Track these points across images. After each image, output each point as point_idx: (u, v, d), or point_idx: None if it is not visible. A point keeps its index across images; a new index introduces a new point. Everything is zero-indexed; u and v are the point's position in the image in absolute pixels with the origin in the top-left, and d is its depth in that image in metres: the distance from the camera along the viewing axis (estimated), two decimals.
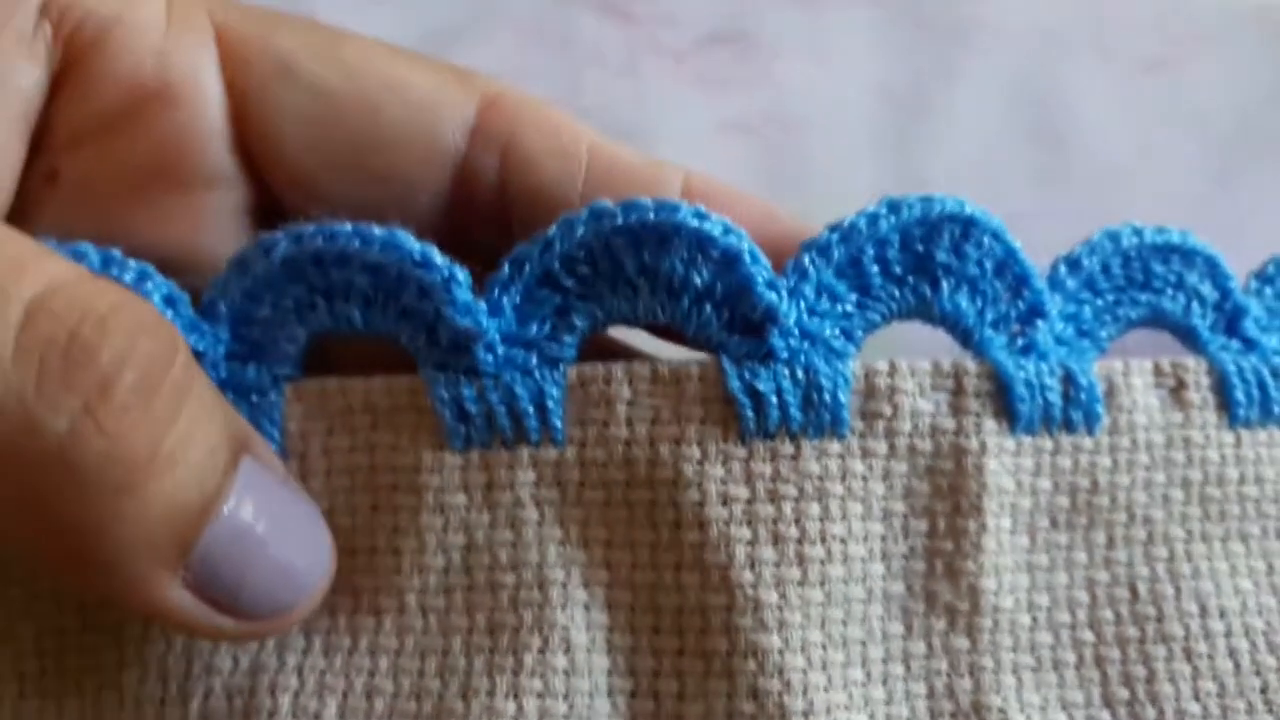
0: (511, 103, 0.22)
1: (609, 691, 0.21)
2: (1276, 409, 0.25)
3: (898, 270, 0.22)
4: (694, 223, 0.20)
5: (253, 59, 0.21)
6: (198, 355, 0.21)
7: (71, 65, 0.21)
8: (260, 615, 0.19)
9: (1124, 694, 0.22)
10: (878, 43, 0.36)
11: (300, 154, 0.21)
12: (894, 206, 0.22)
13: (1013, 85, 0.36)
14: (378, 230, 0.20)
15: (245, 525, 0.19)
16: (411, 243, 0.20)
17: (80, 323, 0.17)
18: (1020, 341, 0.23)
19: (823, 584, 0.21)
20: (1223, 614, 0.23)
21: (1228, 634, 0.23)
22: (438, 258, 0.21)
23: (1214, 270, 0.25)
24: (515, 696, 0.20)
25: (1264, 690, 0.23)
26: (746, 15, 0.36)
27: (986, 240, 0.22)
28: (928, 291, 0.22)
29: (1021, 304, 0.23)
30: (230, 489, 0.18)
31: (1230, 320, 0.25)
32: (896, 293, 0.22)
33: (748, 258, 0.21)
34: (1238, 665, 0.23)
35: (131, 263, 0.20)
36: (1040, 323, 0.23)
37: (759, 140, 0.34)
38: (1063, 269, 0.24)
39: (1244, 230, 0.34)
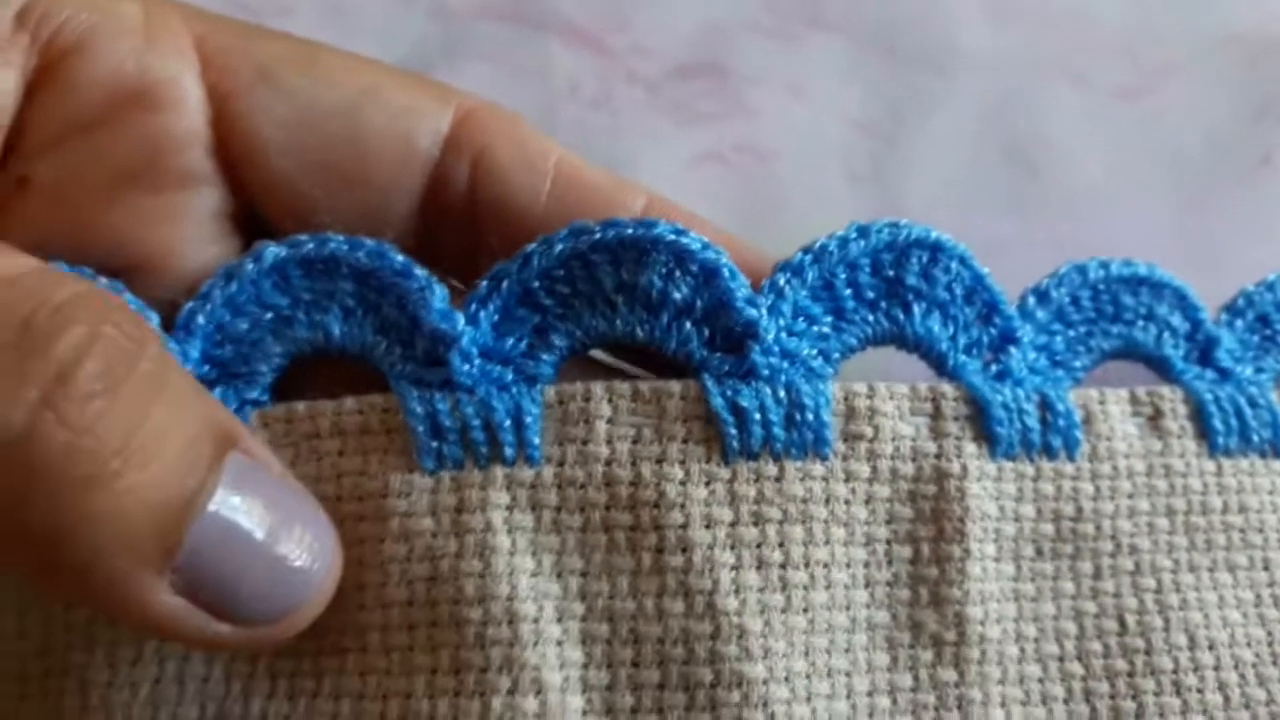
0: (486, 116, 0.23)
1: None
2: (1255, 437, 0.26)
3: (870, 294, 0.23)
4: (672, 237, 0.21)
5: (233, 65, 0.22)
6: None
7: (48, 71, 0.21)
8: (261, 620, 0.19)
9: None
10: (851, 72, 0.37)
11: (281, 157, 0.22)
12: (863, 231, 0.23)
13: (986, 113, 0.38)
14: (366, 240, 0.21)
15: (236, 522, 0.18)
16: (395, 253, 0.21)
17: (35, 311, 0.17)
18: (994, 368, 0.24)
19: (806, 611, 0.21)
20: (1212, 646, 0.24)
21: (1217, 667, 0.24)
22: (417, 269, 0.22)
23: (1183, 302, 0.26)
24: None
25: None
26: (719, 46, 0.38)
27: (954, 266, 0.24)
28: (900, 315, 0.23)
29: (993, 330, 0.24)
30: (215, 483, 0.18)
31: (1203, 351, 0.26)
32: (870, 316, 0.23)
33: (726, 273, 0.22)
34: (1227, 699, 0.23)
35: (102, 279, 0.21)
36: (1013, 349, 0.24)
37: (733, 171, 0.35)
38: (1031, 300, 0.25)
39: (1215, 256, 0.35)
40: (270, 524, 0.19)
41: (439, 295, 0.21)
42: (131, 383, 0.18)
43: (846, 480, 0.22)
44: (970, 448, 0.23)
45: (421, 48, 0.36)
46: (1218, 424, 0.25)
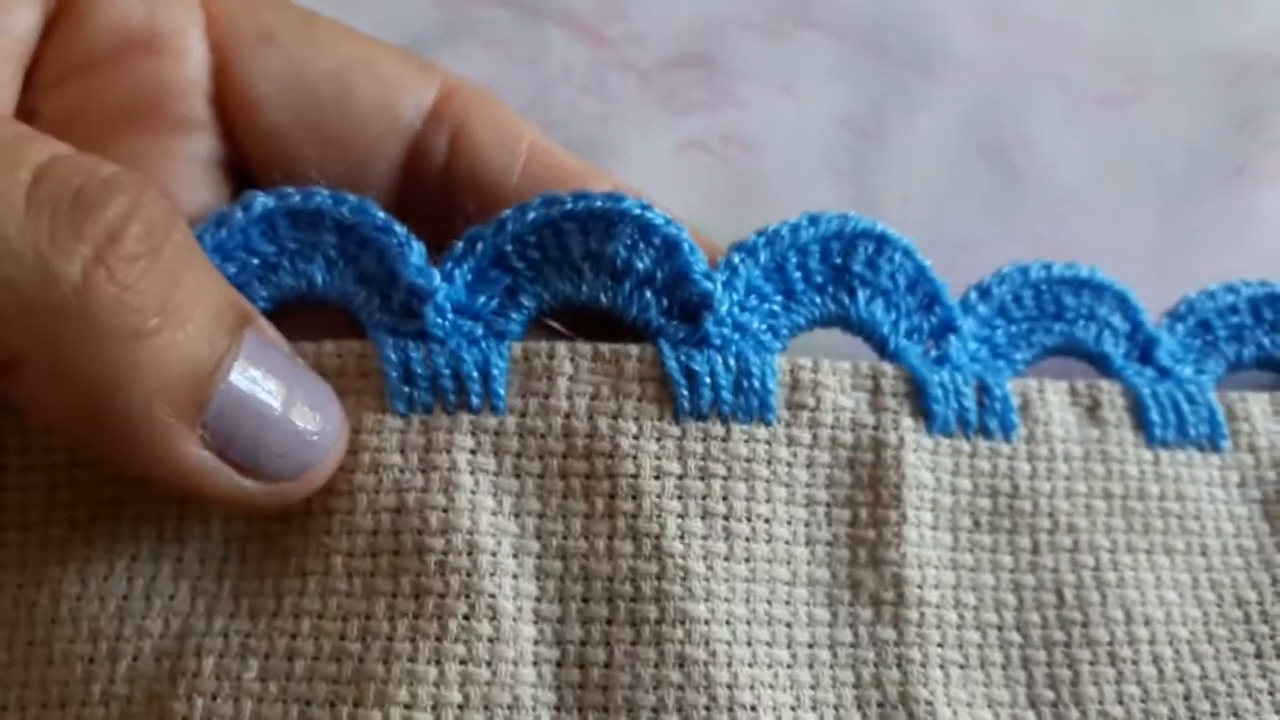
0: (467, 95, 0.26)
1: (535, 660, 0.22)
2: (1193, 431, 0.28)
3: (818, 279, 0.26)
4: (638, 211, 0.24)
5: (236, 23, 0.25)
6: None
7: (64, 10, 0.24)
8: (282, 477, 0.22)
9: (1049, 695, 0.24)
10: (839, 70, 0.39)
11: (273, 114, 0.25)
12: (814, 219, 0.25)
13: (970, 115, 0.39)
14: (350, 195, 0.24)
15: (256, 387, 0.21)
16: (376, 209, 0.24)
17: (86, 181, 0.19)
18: (934, 354, 0.26)
19: (748, 560, 0.24)
20: (1148, 622, 0.25)
21: (1152, 641, 0.25)
22: (398, 225, 0.24)
23: (1124, 304, 0.29)
24: (437, 662, 0.22)
25: (1187, 697, 0.25)
26: (714, 40, 0.40)
27: (898, 257, 0.26)
28: (845, 299, 0.26)
29: (934, 319, 0.27)
30: (238, 350, 0.21)
31: (1143, 350, 0.29)
32: (817, 299, 0.26)
33: (686, 247, 0.24)
34: (1161, 671, 0.25)
35: None
36: (952, 338, 0.26)
37: (719, 160, 0.37)
38: (974, 295, 0.27)
39: (1190, 262, 0.36)
40: (284, 393, 0.21)
41: (417, 252, 0.24)
42: (168, 249, 0.20)
43: (789, 445, 0.24)
44: (907, 422, 0.25)
45: (419, 32, 0.38)
46: (1155, 416, 0.27)
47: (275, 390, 0.21)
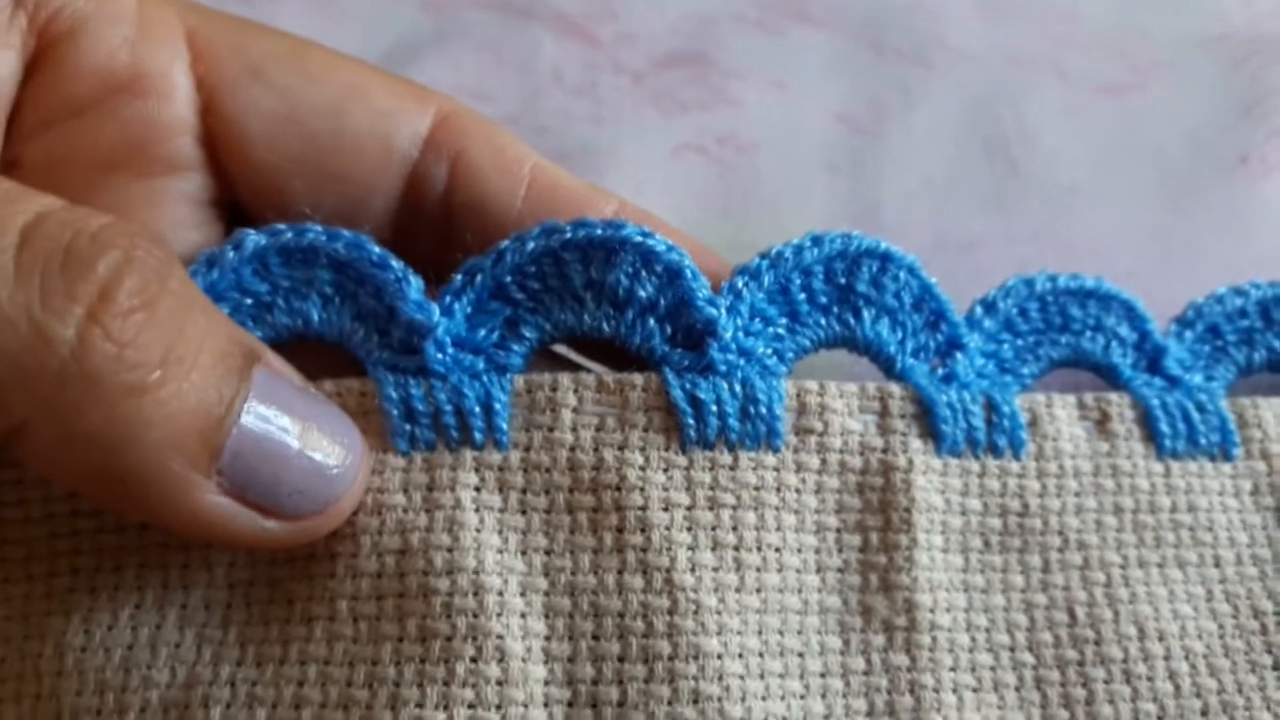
0: (464, 120, 0.26)
1: (545, 702, 0.23)
2: (1203, 441, 0.28)
3: (823, 299, 0.26)
4: (639, 238, 0.24)
5: (223, 59, 0.25)
6: None
7: (44, 54, 0.24)
8: (306, 514, 0.22)
9: (1064, 715, 0.25)
10: (835, 66, 0.40)
11: (264, 150, 0.25)
12: (817, 240, 0.26)
13: (969, 108, 0.40)
14: (344, 231, 0.24)
15: (269, 426, 0.21)
16: (372, 245, 0.24)
17: (75, 238, 0.20)
18: (941, 371, 0.27)
19: (759, 591, 0.24)
20: (1162, 637, 0.26)
21: (1167, 657, 0.26)
22: (394, 260, 0.24)
23: (1131, 313, 0.29)
24: (445, 707, 0.22)
25: (1205, 713, 0.25)
26: (706, 37, 0.40)
27: (903, 275, 0.26)
28: (851, 320, 0.26)
29: (940, 336, 0.27)
30: (248, 391, 0.21)
31: (1151, 360, 0.29)
32: (823, 320, 0.26)
33: (689, 273, 0.24)
34: (1178, 688, 0.25)
35: None
36: (959, 355, 0.27)
37: (715, 161, 0.37)
38: (979, 310, 0.28)
39: (1193, 254, 0.37)
40: (300, 428, 0.22)
41: (415, 286, 0.24)
42: (165, 298, 0.20)
43: (797, 471, 0.25)
44: (916, 444, 0.26)
45: (409, 35, 0.38)
46: (1164, 427, 0.28)
47: (290, 426, 0.22)
